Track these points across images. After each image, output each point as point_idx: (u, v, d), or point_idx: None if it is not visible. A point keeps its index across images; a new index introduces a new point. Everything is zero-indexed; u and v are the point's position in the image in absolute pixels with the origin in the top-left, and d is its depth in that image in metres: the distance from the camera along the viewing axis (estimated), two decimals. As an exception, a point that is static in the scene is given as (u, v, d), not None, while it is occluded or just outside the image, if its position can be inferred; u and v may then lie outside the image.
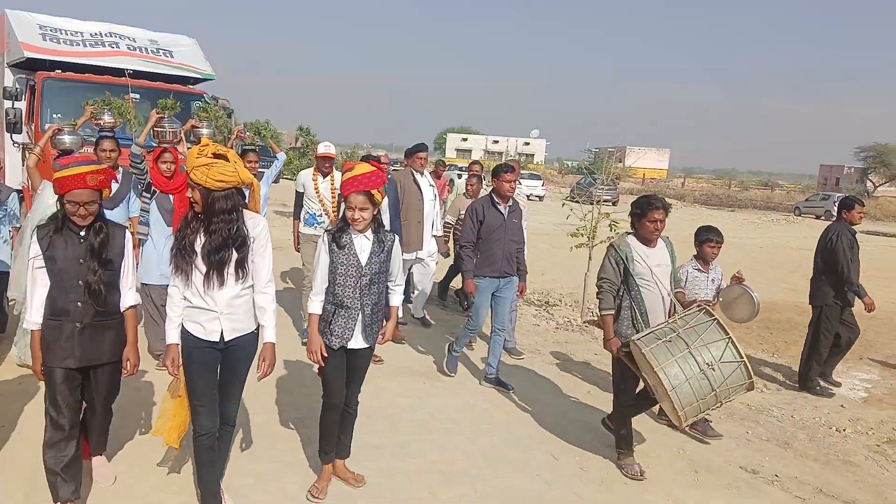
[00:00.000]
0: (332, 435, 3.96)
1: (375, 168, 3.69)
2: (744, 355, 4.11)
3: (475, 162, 9.00)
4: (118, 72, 9.39)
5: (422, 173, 7.26)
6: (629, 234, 4.62)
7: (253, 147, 6.75)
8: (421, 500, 4.04)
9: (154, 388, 5.20)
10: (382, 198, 3.69)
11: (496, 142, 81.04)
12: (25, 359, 4.90)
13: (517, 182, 6.11)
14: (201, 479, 3.61)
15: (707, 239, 5.38)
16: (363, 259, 3.70)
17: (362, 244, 3.71)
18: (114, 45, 10.22)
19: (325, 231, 3.83)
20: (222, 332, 3.40)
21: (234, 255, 3.33)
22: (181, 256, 3.33)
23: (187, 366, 3.46)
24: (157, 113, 6.47)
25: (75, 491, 3.45)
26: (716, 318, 4.18)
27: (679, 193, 45.33)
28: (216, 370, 3.54)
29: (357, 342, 3.79)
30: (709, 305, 4.48)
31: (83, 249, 3.31)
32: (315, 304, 3.77)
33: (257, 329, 3.54)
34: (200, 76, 10.72)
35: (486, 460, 4.55)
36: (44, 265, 3.29)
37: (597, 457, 4.71)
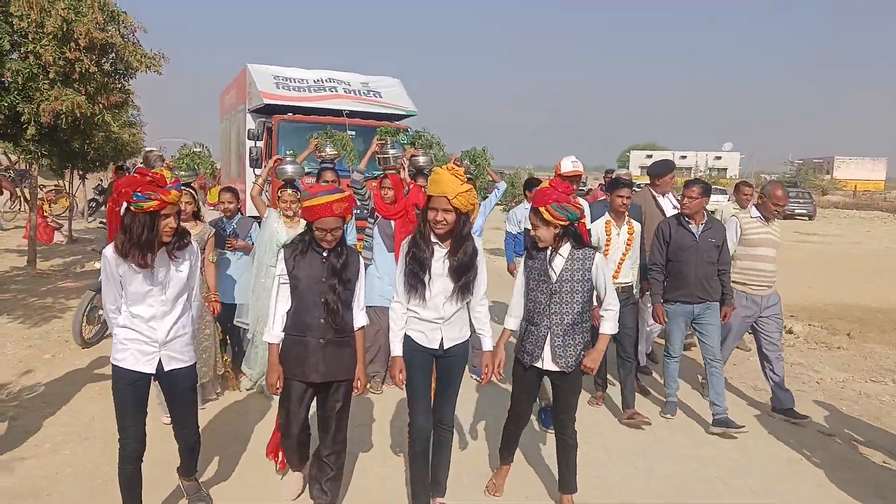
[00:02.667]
0: (513, 441, 4.05)
1: (550, 187, 3.68)
2: None
3: (744, 183, 8.11)
4: (337, 112, 10.82)
5: (664, 195, 6.58)
6: None
7: (472, 176, 6.73)
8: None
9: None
10: (556, 217, 3.58)
11: (684, 157, 78.11)
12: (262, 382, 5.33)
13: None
14: (414, 476, 3.81)
15: None
16: (553, 276, 3.67)
17: (555, 260, 3.68)
18: (333, 89, 11.74)
19: (525, 249, 3.88)
20: (442, 341, 3.61)
21: (471, 273, 3.56)
22: (414, 276, 3.52)
23: (409, 369, 3.63)
24: (378, 140, 6.62)
25: (305, 461, 3.90)
26: None
27: (894, 207, 41.19)
28: (431, 374, 3.74)
29: (547, 363, 3.73)
30: None
31: (325, 269, 3.49)
32: (510, 321, 3.88)
33: (467, 340, 3.74)
34: (405, 112, 11.95)
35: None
36: (289, 282, 3.51)
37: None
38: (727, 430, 5.15)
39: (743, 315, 5.64)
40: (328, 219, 3.37)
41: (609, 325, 3.76)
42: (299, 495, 3.95)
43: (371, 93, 12.02)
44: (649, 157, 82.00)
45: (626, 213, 5.39)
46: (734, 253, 5.67)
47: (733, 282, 5.55)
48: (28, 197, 12.18)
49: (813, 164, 67.76)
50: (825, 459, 4.85)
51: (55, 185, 18.38)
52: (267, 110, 11.33)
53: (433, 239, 3.53)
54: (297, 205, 5.24)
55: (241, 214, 6.17)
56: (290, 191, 5.36)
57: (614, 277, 5.17)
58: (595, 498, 4.18)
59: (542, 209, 3.61)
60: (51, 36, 8.87)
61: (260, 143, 10.97)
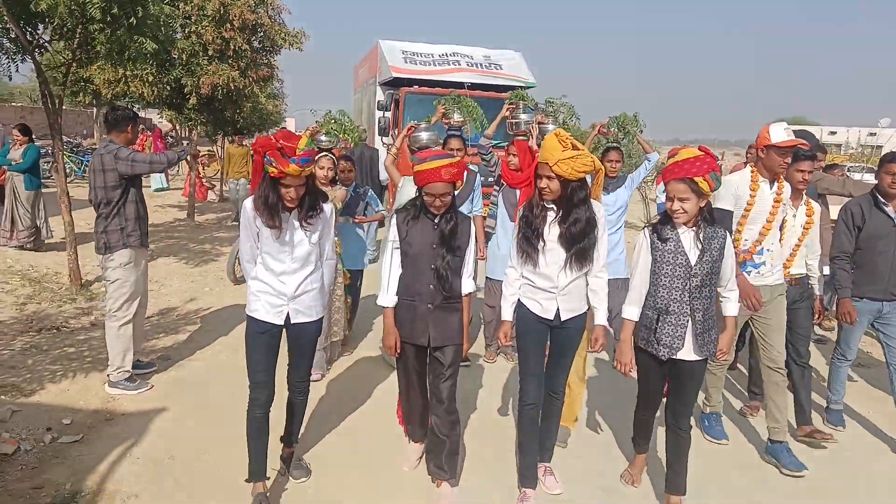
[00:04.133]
0: (648, 428, 3.79)
1: (704, 153, 3.30)
2: None
3: None
4: (459, 84, 11.55)
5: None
6: None
7: (618, 145, 6.19)
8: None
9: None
10: (711, 188, 3.24)
11: (833, 133, 72.98)
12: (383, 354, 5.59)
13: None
14: (521, 447, 3.69)
15: None
16: (692, 257, 3.31)
17: (689, 240, 3.33)
18: (456, 63, 12.53)
19: (646, 226, 3.52)
20: (558, 311, 3.46)
21: (584, 242, 3.36)
22: (527, 241, 3.41)
23: (523, 339, 3.57)
24: (509, 104, 6.23)
25: (425, 434, 3.85)
26: None
27: None
28: (545, 346, 3.61)
29: (687, 353, 3.40)
30: None
31: (436, 236, 3.43)
32: (632, 310, 3.49)
33: (586, 311, 3.57)
34: (524, 84, 12.52)
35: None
36: (400, 248, 3.50)
37: None
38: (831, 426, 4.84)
39: None
40: (437, 184, 3.31)
41: (734, 307, 3.53)
42: (416, 466, 3.95)
43: (492, 65, 12.71)
44: (794, 131, 77.38)
45: (805, 192, 4.63)
46: None
47: None
48: (189, 160, 13.84)
49: None
50: None
51: (208, 150, 20.37)
52: (395, 83, 12.28)
53: (547, 205, 3.42)
54: None
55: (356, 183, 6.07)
56: None
57: (785, 266, 4.45)
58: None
59: (699, 179, 3.20)
60: (210, 18, 10.17)
61: (388, 114, 11.95)
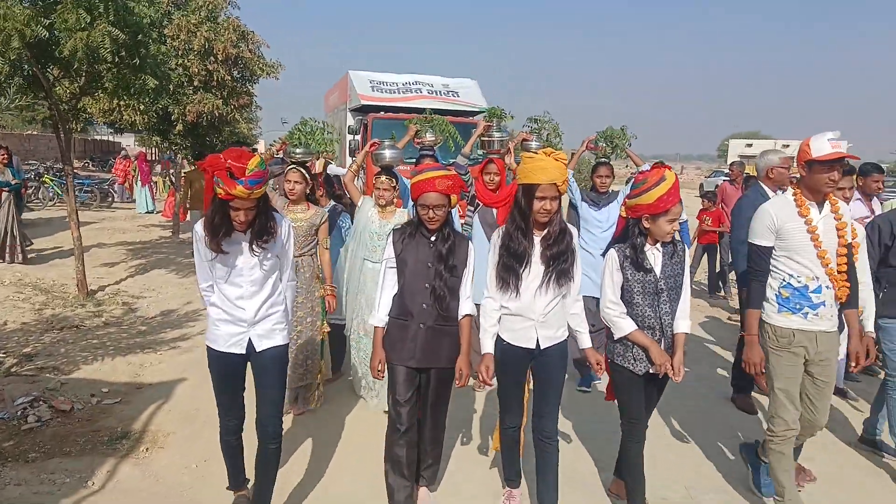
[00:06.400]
0: (638, 464, 3.54)
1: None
2: None
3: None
4: (419, 110, 12.75)
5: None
6: None
7: (606, 161, 6.09)
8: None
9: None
10: None
11: (787, 146, 75.86)
12: (360, 391, 5.09)
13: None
14: (505, 460, 3.71)
15: None
16: (657, 270, 3.36)
17: (659, 254, 3.38)
18: (418, 91, 13.77)
19: (615, 248, 3.43)
20: (538, 340, 3.38)
21: (565, 260, 3.32)
22: (508, 269, 3.32)
23: (502, 371, 3.47)
24: (486, 122, 6.25)
25: (409, 498, 3.51)
26: None
27: None
28: (525, 377, 3.55)
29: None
30: None
31: (432, 254, 3.36)
32: (631, 322, 3.38)
33: (565, 340, 3.49)
34: (478, 109, 13.82)
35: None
36: (395, 266, 3.42)
37: None
38: (872, 449, 4.65)
39: None
40: (430, 194, 3.27)
41: (686, 324, 3.44)
42: None
43: (450, 93, 13.97)
44: (749, 145, 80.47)
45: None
46: None
47: None
48: (173, 181, 14.86)
49: (927, 153, 64.57)
50: None
51: (185, 174, 21.33)
52: (363, 109, 13.47)
53: (531, 228, 3.33)
54: (393, 193, 4.84)
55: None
56: (384, 177, 4.82)
57: None
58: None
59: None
60: (196, 52, 11.28)
61: (357, 137, 13.12)
